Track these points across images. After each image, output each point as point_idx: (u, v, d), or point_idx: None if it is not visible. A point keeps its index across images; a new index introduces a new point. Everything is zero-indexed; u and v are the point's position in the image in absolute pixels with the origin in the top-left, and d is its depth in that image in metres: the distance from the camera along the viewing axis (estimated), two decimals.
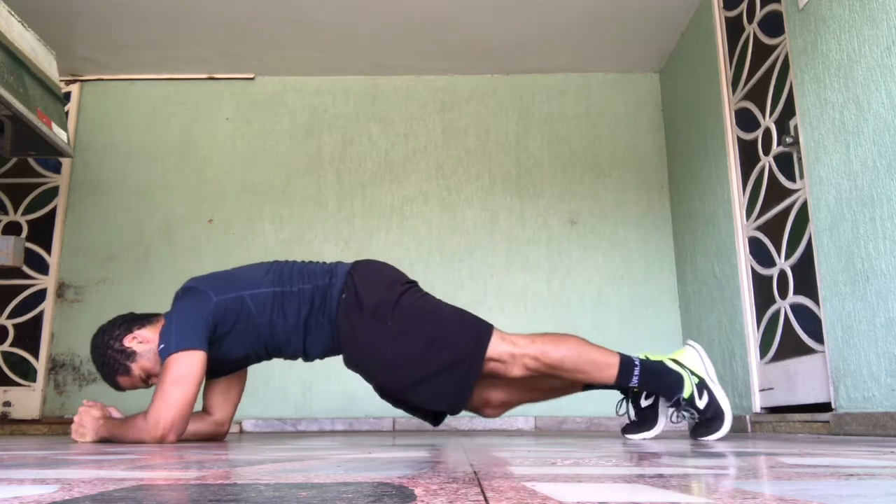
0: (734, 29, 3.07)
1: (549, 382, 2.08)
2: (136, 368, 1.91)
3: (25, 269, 3.75)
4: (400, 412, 3.62)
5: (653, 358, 1.96)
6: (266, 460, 1.04)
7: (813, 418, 2.34)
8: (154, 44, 3.75)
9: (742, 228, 2.95)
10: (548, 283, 3.78)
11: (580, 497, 0.57)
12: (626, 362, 1.90)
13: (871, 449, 1.29)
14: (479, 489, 0.63)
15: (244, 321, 1.87)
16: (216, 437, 2.12)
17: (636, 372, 1.90)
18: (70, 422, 1.96)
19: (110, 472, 0.83)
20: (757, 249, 2.85)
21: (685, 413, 1.93)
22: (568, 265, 3.80)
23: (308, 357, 1.99)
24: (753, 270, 2.87)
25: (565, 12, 3.47)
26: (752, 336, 2.86)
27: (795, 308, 2.54)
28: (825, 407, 2.29)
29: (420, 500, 0.55)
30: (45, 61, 2.98)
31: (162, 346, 1.79)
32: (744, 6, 2.96)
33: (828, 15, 2.22)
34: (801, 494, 0.58)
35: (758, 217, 2.81)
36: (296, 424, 3.58)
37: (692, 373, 1.92)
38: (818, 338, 2.34)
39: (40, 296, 3.77)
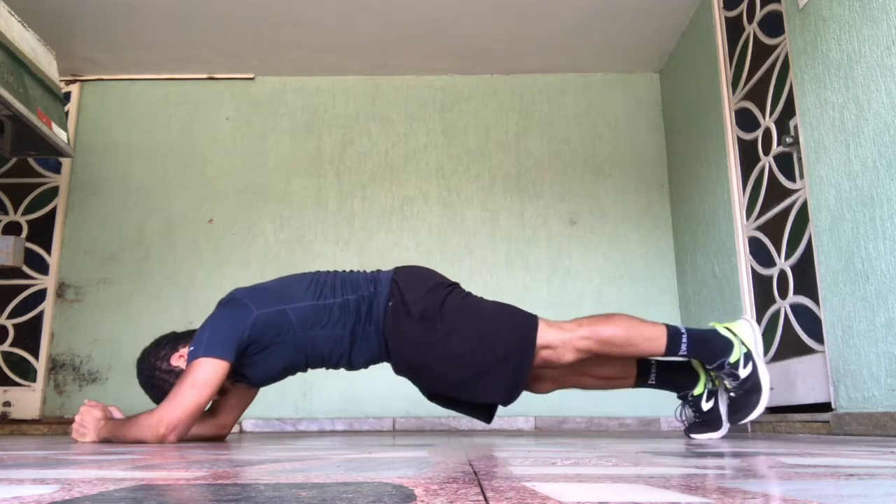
0: (734, 29, 3.07)
1: (600, 369, 2.11)
2: None
3: (25, 269, 3.75)
4: (400, 413, 3.64)
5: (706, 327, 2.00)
6: (266, 460, 1.04)
7: (813, 418, 2.34)
8: (154, 44, 3.75)
9: (742, 228, 2.95)
10: (548, 283, 3.78)
11: (580, 497, 0.57)
12: (673, 333, 1.93)
13: (871, 449, 1.29)
14: (479, 489, 0.63)
15: (285, 334, 1.88)
16: (217, 440, 2.12)
17: (683, 340, 1.93)
18: (70, 422, 1.96)
19: (110, 472, 0.83)
20: (757, 249, 2.85)
21: (727, 381, 1.93)
22: (568, 265, 3.80)
23: (352, 366, 2.00)
24: (753, 270, 2.87)
25: (565, 12, 3.47)
26: None
27: (795, 308, 2.54)
28: (825, 407, 2.29)
29: (420, 500, 0.55)
30: (45, 61, 2.98)
31: (191, 348, 1.81)
32: (744, 6, 2.96)
33: (828, 15, 2.22)
34: (801, 494, 0.58)
35: (758, 217, 2.81)
36: (296, 424, 3.58)
37: (742, 342, 1.94)
38: (818, 338, 2.34)
39: (40, 296, 3.78)
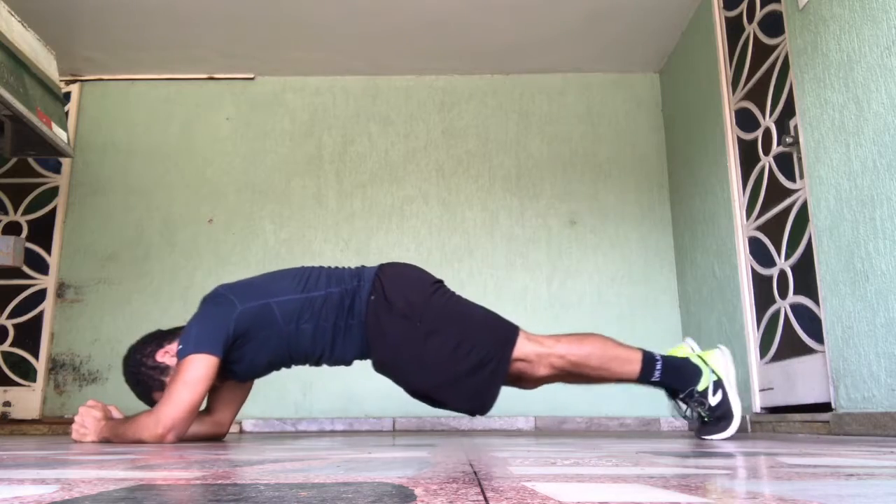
0: (734, 29, 3.07)
1: (576, 380, 2.09)
2: None
3: (25, 269, 3.75)
4: (400, 413, 3.63)
5: (679, 354, 1.99)
6: (266, 460, 1.04)
7: (813, 418, 2.34)
8: (154, 44, 3.75)
9: (742, 228, 2.95)
10: (548, 283, 3.78)
11: (580, 497, 0.57)
12: (648, 358, 1.93)
13: (871, 449, 1.29)
14: (479, 489, 0.63)
15: (270, 328, 1.88)
16: (215, 438, 2.12)
17: (658, 367, 1.92)
18: (70, 422, 1.96)
19: (110, 472, 0.83)
20: (757, 249, 2.85)
21: (696, 409, 1.93)
22: (568, 265, 3.80)
23: (336, 361, 1.99)
24: (753, 270, 2.87)
25: (565, 12, 3.47)
26: (752, 336, 2.86)
27: (795, 308, 2.54)
28: (825, 407, 2.29)
29: (420, 500, 0.55)
30: (45, 61, 2.98)
31: (180, 346, 1.81)
32: (744, 6, 2.96)
33: (828, 15, 2.22)
34: (801, 494, 0.58)
35: (758, 217, 2.81)
36: (296, 424, 3.58)
37: (713, 371, 1.94)
38: (818, 338, 2.34)
39: (40, 296, 3.78)
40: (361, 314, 1.90)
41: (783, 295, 2.62)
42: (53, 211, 3.88)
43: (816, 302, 2.34)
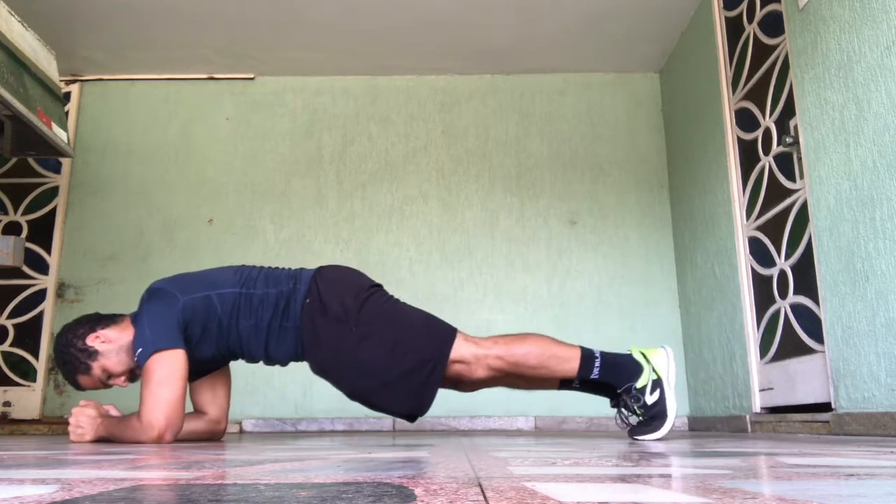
0: (734, 29, 3.07)
1: (516, 381, 2.07)
2: (96, 367, 1.91)
3: (25, 269, 3.75)
4: None
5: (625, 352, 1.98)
6: (266, 460, 1.04)
7: (813, 418, 2.34)
8: (154, 44, 3.75)
9: (742, 228, 2.95)
10: (548, 283, 3.78)
11: (580, 497, 0.57)
12: (586, 355, 1.92)
13: (871, 449, 1.29)
14: (479, 489, 0.63)
15: (212, 321, 1.89)
16: (214, 435, 2.12)
17: (597, 364, 1.91)
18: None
19: (110, 472, 0.83)
20: (757, 249, 2.85)
21: (633, 406, 1.90)
22: (568, 265, 3.80)
23: (271, 361, 1.99)
24: (753, 270, 2.87)
25: (565, 12, 3.47)
26: (752, 336, 2.86)
27: (795, 308, 2.54)
28: (825, 407, 2.29)
29: (420, 500, 0.55)
30: (45, 61, 2.98)
31: (139, 350, 1.80)
32: (744, 6, 2.96)
33: (828, 15, 2.22)
34: (801, 494, 0.58)
35: (758, 217, 2.81)
36: (296, 424, 3.58)
37: (654, 369, 1.92)
38: (818, 338, 2.34)
39: (40, 296, 3.78)
40: (296, 317, 1.90)
41: (783, 295, 2.62)
42: (53, 211, 3.88)
43: (816, 302, 2.34)
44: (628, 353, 1.97)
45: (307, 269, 2.01)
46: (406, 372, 1.86)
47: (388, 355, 1.87)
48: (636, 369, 1.92)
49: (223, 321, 1.89)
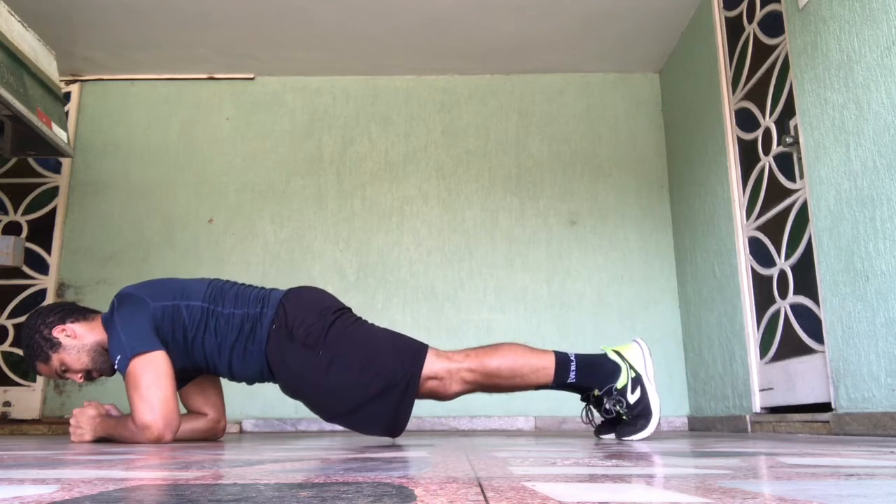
0: (734, 29, 3.07)
1: (493, 390, 2.04)
2: (55, 359, 1.91)
3: (25, 269, 3.75)
4: None
5: (599, 352, 1.96)
6: (266, 460, 1.04)
7: (813, 418, 2.34)
8: (154, 44, 3.75)
9: (742, 228, 2.95)
10: (548, 283, 3.78)
11: (580, 497, 0.57)
12: (561, 361, 1.90)
13: (871, 449, 1.29)
14: (479, 489, 0.63)
15: (178, 332, 1.87)
16: (214, 434, 2.12)
17: (572, 368, 1.89)
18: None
19: (110, 472, 0.83)
20: (757, 249, 2.85)
21: (615, 407, 1.88)
22: (568, 265, 3.80)
23: (236, 379, 1.98)
24: (753, 270, 2.87)
25: (565, 12, 3.47)
26: (752, 336, 2.86)
27: (795, 308, 2.54)
28: (825, 407, 2.29)
29: (420, 500, 0.55)
30: (45, 61, 2.98)
31: (118, 357, 1.78)
32: (744, 6, 2.96)
33: (828, 15, 2.22)
34: (801, 494, 0.58)
35: (758, 217, 2.81)
36: (296, 424, 3.58)
37: (631, 366, 1.90)
38: (818, 338, 2.34)
39: (40, 296, 3.77)
40: (262, 342, 1.88)
41: (783, 295, 2.62)
42: (53, 211, 3.88)
43: (816, 302, 2.34)
44: (602, 353, 1.94)
45: (277, 291, 1.98)
46: (377, 393, 1.84)
47: (358, 378, 1.85)
48: (614, 369, 1.90)
49: (189, 333, 1.88)
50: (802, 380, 2.46)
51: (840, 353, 2.17)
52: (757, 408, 2.80)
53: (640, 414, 1.87)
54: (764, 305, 2.78)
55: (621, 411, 1.88)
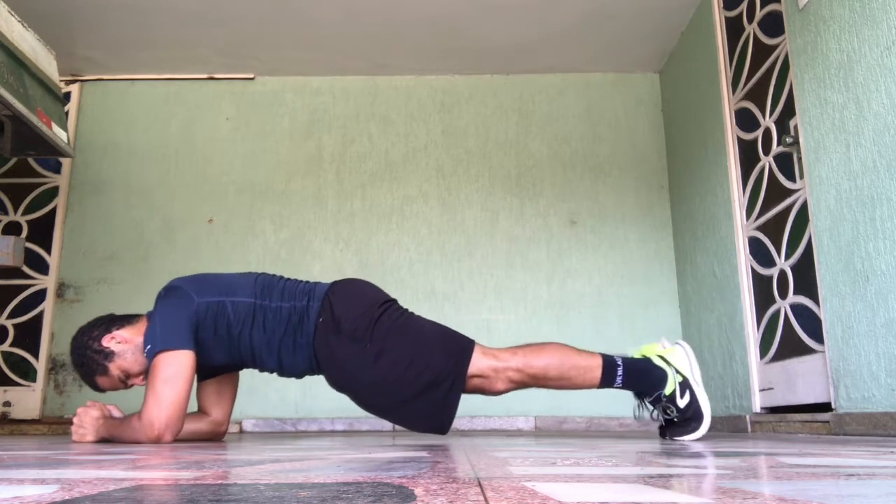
0: (734, 29, 3.07)
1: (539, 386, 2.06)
2: (113, 368, 1.90)
3: (25, 269, 3.75)
4: None
5: (638, 355, 1.95)
6: (266, 460, 1.04)
7: (813, 418, 2.34)
8: (154, 44, 3.75)
9: (742, 228, 2.95)
10: (548, 283, 3.78)
11: (580, 497, 0.57)
12: (608, 364, 1.89)
13: (871, 449, 1.29)
14: (479, 489, 0.63)
15: (223, 328, 1.86)
16: (215, 437, 2.12)
17: (619, 372, 1.88)
18: (70, 422, 1.96)
19: (110, 472, 0.83)
20: (757, 249, 2.85)
21: (666, 411, 1.90)
22: (568, 265, 3.80)
23: (285, 374, 1.97)
24: (753, 270, 2.87)
25: (565, 12, 3.47)
26: (752, 336, 2.86)
27: (795, 308, 2.54)
28: (825, 407, 2.29)
29: (420, 500, 0.55)
30: (45, 61, 2.98)
31: (148, 346, 1.79)
32: (744, 6, 2.96)
33: (828, 15, 2.22)
34: (801, 494, 0.58)
35: (758, 217, 2.81)
36: (296, 424, 3.58)
37: (677, 371, 1.90)
38: (818, 338, 2.34)
39: (40, 296, 3.77)
40: (310, 335, 1.87)
41: (783, 295, 2.62)
42: (53, 211, 3.88)
43: (816, 302, 2.34)
44: (647, 358, 1.93)
45: (322, 284, 1.97)
46: (424, 388, 1.83)
47: (405, 372, 1.83)
48: (661, 376, 1.89)
49: (234, 329, 1.86)
50: (802, 380, 2.46)
51: (840, 353, 2.17)
52: (757, 408, 2.80)
53: (691, 417, 1.88)
54: (764, 305, 2.78)
55: (673, 417, 1.89)
